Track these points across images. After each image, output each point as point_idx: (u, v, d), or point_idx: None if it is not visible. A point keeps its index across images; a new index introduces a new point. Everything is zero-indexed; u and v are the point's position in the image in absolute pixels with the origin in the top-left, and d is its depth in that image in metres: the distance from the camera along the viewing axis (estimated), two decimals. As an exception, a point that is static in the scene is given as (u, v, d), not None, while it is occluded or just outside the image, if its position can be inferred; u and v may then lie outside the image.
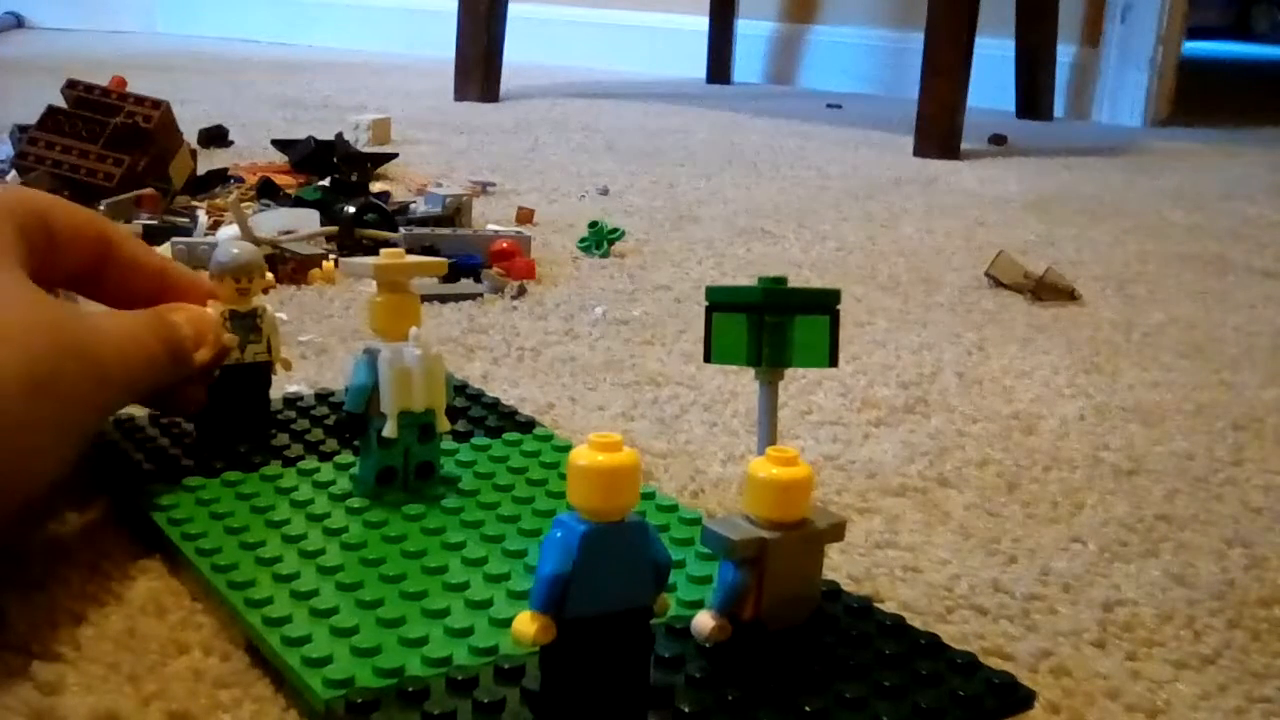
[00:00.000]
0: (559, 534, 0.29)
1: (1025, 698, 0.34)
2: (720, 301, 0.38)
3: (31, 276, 0.39)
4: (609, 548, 0.29)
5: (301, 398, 0.53)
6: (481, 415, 0.52)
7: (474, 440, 0.50)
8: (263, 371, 0.48)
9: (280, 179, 1.02)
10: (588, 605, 0.29)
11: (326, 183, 0.98)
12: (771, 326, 0.36)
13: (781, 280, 0.37)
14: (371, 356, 0.43)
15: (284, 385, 0.55)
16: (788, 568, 0.33)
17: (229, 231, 0.81)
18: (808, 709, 0.32)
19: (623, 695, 0.30)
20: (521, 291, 0.79)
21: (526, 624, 0.29)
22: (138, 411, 0.49)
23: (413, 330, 0.43)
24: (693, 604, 0.37)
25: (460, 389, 0.55)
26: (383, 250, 0.44)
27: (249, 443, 0.47)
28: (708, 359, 0.38)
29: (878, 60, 2.37)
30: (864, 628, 0.37)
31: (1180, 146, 1.86)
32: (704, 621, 0.33)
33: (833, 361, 0.38)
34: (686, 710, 0.31)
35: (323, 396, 0.54)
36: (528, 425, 0.52)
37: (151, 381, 0.42)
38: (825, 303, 0.38)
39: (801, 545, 0.33)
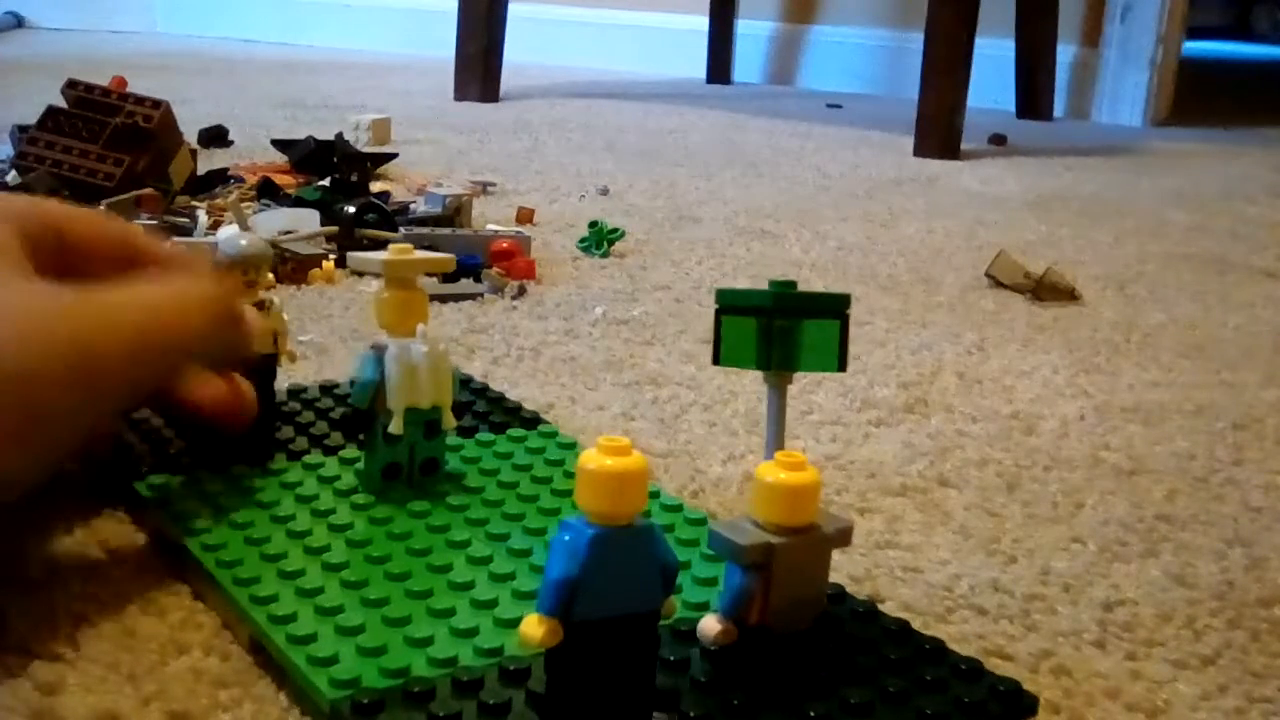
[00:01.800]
0: (566, 537, 0.29)
1: (1029, 704, 0.34)
2: (729, 305, 0.38)
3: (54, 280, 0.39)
4: (617, 551, 0.29)
5: (305, 390, 0.53)
6: (486, 411, 0.52)
7: (479, 436, 0.50)
8: (268, 364, 0.48)
9: (280, 179, 1.02)
10: (595, 609, 0.29)
11: (326, 183, 0.98)
12: (781, 330, 0.36)
13: (791, 284, 0.37)
14: (378, 352, 0.43)
15: (285, 380, 0.55)
16: (794, 572, 0.33)
17: (229, 231, 0.80)
18: (812, 714, 0.32)
19: (628, 698, 0.30)
20: (521, 291, 0.79)
21: (534, 627, 0.29)
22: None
23: (420, 327, 0.43)
24: (698, 606, 0.37)
25: (464, 384, 0.56)
26: (391, 246, 0.44)
27: (254, 436, 0.47)
28: (716, 361, 0.38)
29: (878, 60, 2.37)
30: (869, 632, 0.37)
31: (1180, 146, 1.86)
32: (710, 625, 0.33)
33: (842, 366, 0.38)
34: (691, 714, 0.31)
35: (327, 388, 0.54)
36: (532, 421, 0.52)
37: (198, 349, 0.41)
38: (835, 307, 0.38)
39: (808, 550, 0.33)
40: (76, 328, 0.36)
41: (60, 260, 0.41)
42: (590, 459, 0.28)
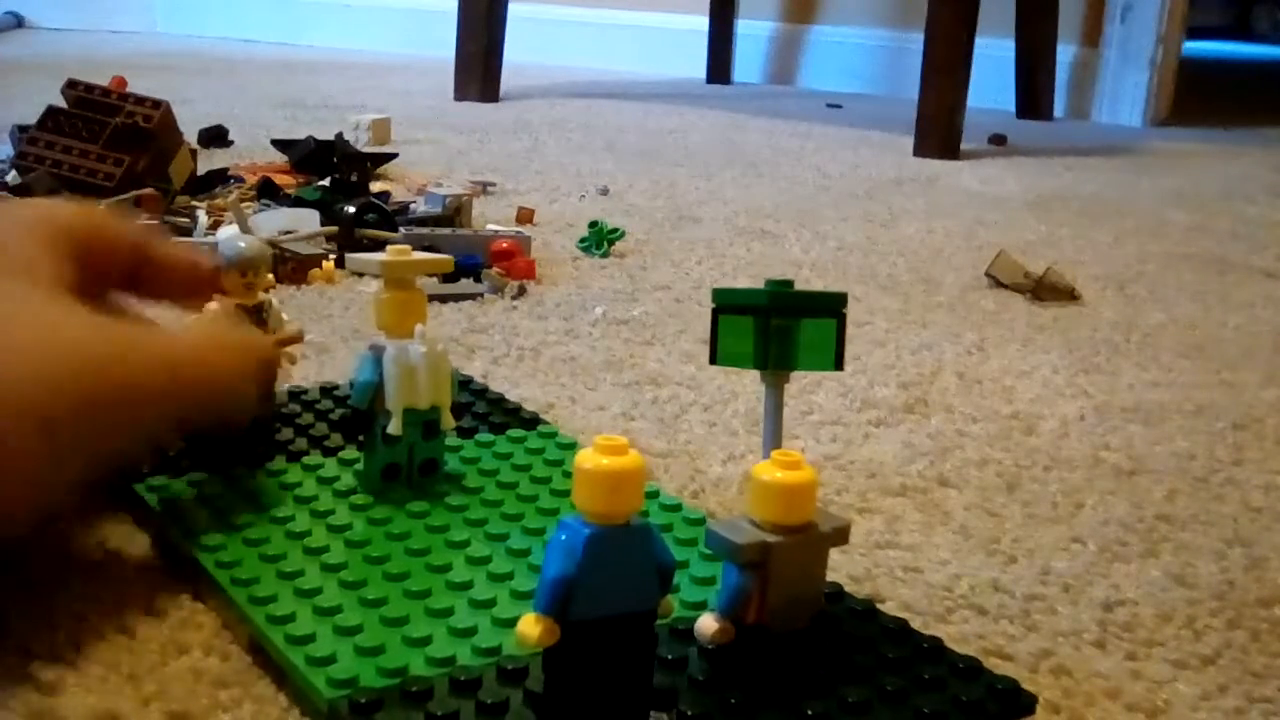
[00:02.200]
0: (563, 537, 0.29)
1: (1028, 703, 0.34)
2: (726, 304, 0.38)
3: (75, 290, 0.38)
4: (613, 551, 0.29)
5: (305, 391, 0.53)
6: (486, 411, 0.52)
7: (478, 437, 0.50)
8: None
9: (280, 179, 1.02)
10: (592, 608, 0.29)
11: (326, 183, 0.98)
12: (777, 329, 0.36)
13: (788, 283, 0.37)
14: (377, 353, 0.43)
15: (285, 381, 0.55)
16: (791, 571, 0.33)
17: (229, 231, 0.80)
18: (810, 712, 0.32)
19: (626, 697, 0.30)
20: (521, 291, 0.79)
21: (531, 626, 0.29)
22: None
23: (418, 327, 0.43)
24: (696, 605, 0.37)
25: (464, 385, 0.56)
26: (389, 247, 0.44)
27: (254, 438, 0.47)
28: (713, 361, 0.38)
29: (878, 60, 2.37)
30: (867, 631, 0.37)
31: (1180, 146, 1.86)
32: (707, 624, 0.33)
33: (838, 365, 0.38)
34: (689, 713, 0.31)
35: (327, 390, 0.54)
36: (532, 422, 0.52)
37: (228, 400, 0.41)
38: (831, 306, 0.38)
39: (805, 549, 0.33)
40: (106, 366, 0.36)
41: (82, 265, 0.41)
42: (586, 458, 0.28)
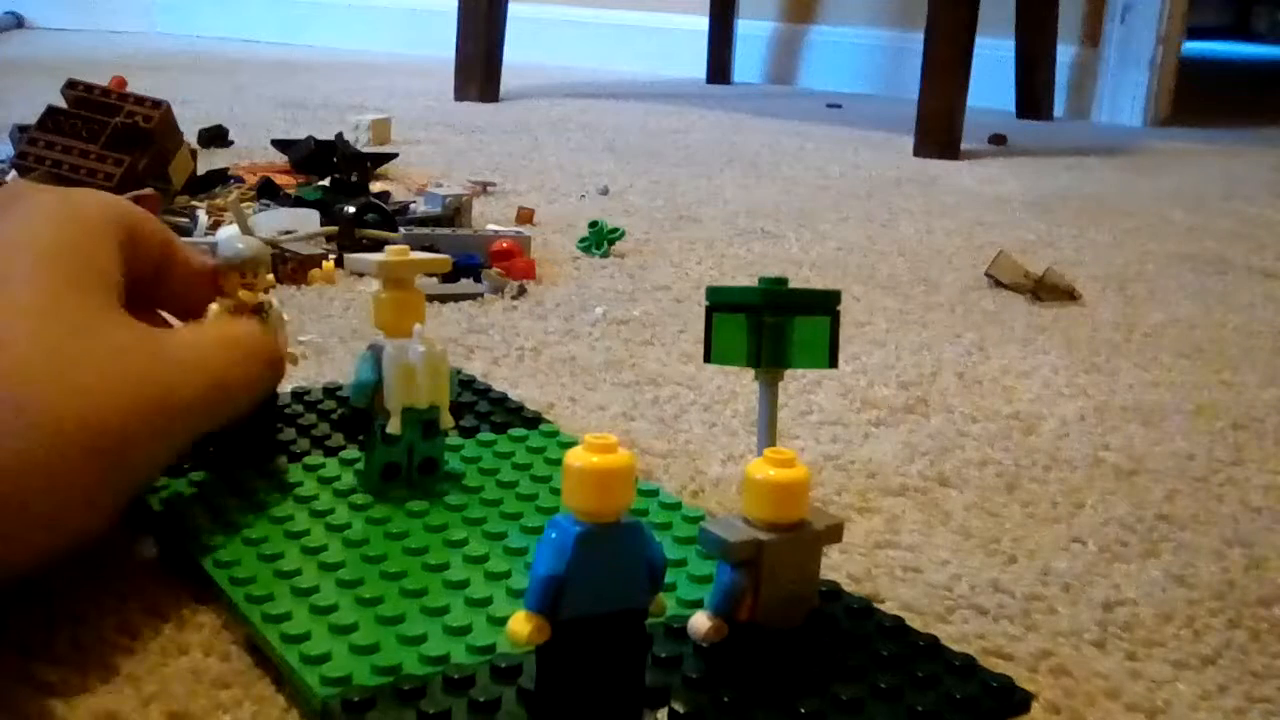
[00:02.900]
0: (553, 535, 0.29)
1: (1023, 700, 0.34)
2: (720, 302, 0.38)
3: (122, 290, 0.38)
4: (603, 549, 0.29)
5: (308, 392, 0.53)
6: (487, 410, 0.52)
7: (479, 436, 0.50)
8: None
9: (280, 179, 1.02)
10: (582, 606, 0.29)
11: (326, 183, 0.98)
12: (771, 327, 0.36)
13: (782, 281, 0.37)
14: (375, 352, 0.43)
15: (287, 383, 0.55)
16: (784, 569, 0.33)
17: (229, 231, 0.80)
18: (803, 710, 0.32)
19: (617, 695, 0.30)
20: (521, 291, 0.79)
21: (521, 624, 0.29)
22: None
23: (417, 326, 0.43)
24: (694, 603, 0.37)
25: (467, 384, 0.56)
26: (387, 247, 0.44)
27: (255, 438, 0.47)
28: (707, 359, 0.38)
29: (878, 60, 2.37)
30: (863, 629, 0.36)
31: (1180, 146, 1.86)
32: (700, 622, 0.33)
33: (832, 363, 0.37)
34: (681, 711, 0.31)
35: (330, 390, 0.54)
36: (533, 421, 0.52)
37: (252, 399, 0.42)
38: (825, 303, 0.37)
39: (798, 547, 0.33)
40: (164, 393, 0.36)
41: (128, 266, 0.41)
42: (575, 457, 0.28)
